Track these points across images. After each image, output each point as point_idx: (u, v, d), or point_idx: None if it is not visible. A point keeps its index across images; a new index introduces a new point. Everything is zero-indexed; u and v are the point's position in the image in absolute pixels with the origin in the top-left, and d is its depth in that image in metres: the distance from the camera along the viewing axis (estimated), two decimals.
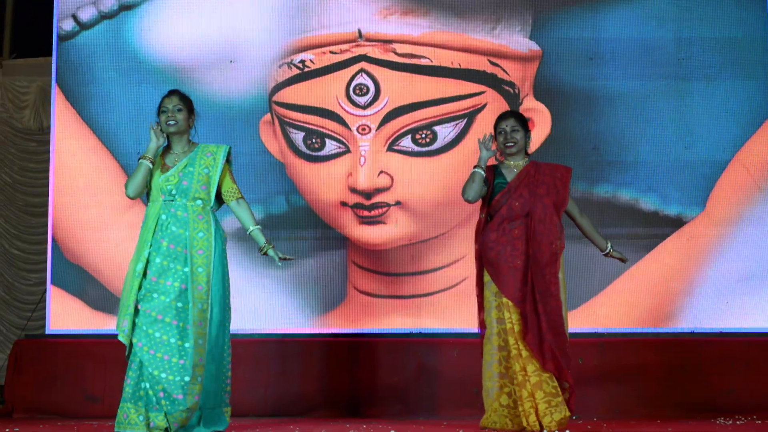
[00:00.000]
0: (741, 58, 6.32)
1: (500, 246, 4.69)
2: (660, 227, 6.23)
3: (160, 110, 4.67)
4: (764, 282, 6.15)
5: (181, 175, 4.57)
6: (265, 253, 4.64)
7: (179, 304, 4.45)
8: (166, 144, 4.68)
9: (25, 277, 7.73)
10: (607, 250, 4.92)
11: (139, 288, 4.48)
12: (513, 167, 4.80)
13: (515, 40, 6.37)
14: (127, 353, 4.50)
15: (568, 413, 4.55)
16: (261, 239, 4.64)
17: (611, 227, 6.24)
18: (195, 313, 4.45)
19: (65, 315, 6.38)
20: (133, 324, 4.46)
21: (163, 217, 4.54)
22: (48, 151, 6.65)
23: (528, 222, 4.70)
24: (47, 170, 6.70)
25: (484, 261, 4.74)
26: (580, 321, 6.16)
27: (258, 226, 4.65)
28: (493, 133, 4.82)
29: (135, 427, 4.39)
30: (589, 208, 6.22)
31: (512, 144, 4.77)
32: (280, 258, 4.63)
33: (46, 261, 6.57)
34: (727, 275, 6.17)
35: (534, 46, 6.37)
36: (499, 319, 4.67)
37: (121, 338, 4.47)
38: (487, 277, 4.73)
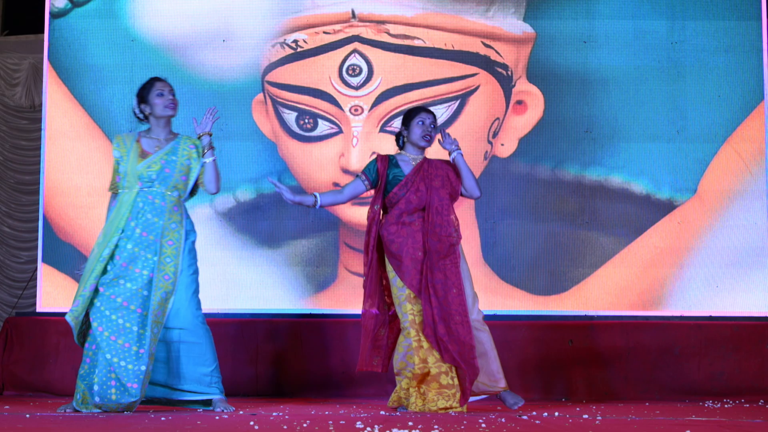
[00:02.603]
0: (734, 43, 6.32)
1: (401, 238, 4.74)
2: (651, 211, 6.25)
3: (153, 94, 4.63)
4: (754, 267, 6.18)
5: (164, 162, 4.56)
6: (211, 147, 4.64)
7: (145, 293, 4.47)
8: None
9: (16, 255, 7.72)
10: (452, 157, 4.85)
11: (104, 272, 4.49)
12: (411, 160, 4.86)
13: (509, 22, 6.36)
14: (75, 334, 4.50)
15: (456, 405, 4.59)
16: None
17: (602, 211, 6.25)
18: (156, 301, 4.47)
19: (56, 293, 6.38)
20: (92, 305, 4.46)
21: (140, 204, 4.53)
22: (39, 129, 6.64)
23: (425, 215, 4.75)
24: (39, 148, 6.70)
25: (387, 254, 4.78)
26: (570, 304, 6.19)
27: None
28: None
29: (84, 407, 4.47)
30: (581, 190, 6.24)
31: (430, 139, 4.82)
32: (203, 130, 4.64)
33: (37, 239, 6.56)
34: (717, 259, 6.20)
35: (528, 29, 6.36)
36: (407, 312, 4.71)
37: (67, 317, 4.46)
38: (391, 273, 4.76)
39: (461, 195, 4.88)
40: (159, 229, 4.52)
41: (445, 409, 4.60)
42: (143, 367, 4.40)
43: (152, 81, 4.68)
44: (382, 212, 4.84)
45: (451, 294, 4.65)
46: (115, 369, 4.38)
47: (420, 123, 4.82)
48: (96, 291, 4.47)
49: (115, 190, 4.66)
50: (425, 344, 4.66)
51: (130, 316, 4.43)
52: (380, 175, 4.83)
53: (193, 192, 4.73)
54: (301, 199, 4.82)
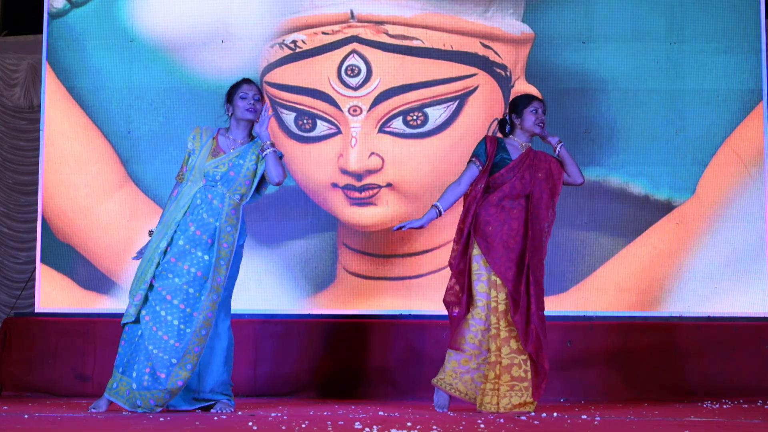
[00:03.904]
0: (733, 44, 6.32)
1: (498, 222, 4.77)
2: (650, 211, 6.25)
3: (237, 95, 4.65)
4: (752, 267, 6.17)
5: (231, 165, 4.58)
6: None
7: (191, 290, 4.50)
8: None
9: (15, 256, 7.71)
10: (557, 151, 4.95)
11: (157, 265, 4.52)
12: (519, 146, 4.91)
13: (508, 22, 6.35)
14: (124, 321, 4.56)
15: (530, 399, 4.63)
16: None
17: (601, 211, 6.25)
18: (208, 303, 4.50)
19: (54, 294, 6.38)
20: (146, 297, 4.52)
21: (198, 201, 4.56)
22: (38, 130, 6.63)
23: (527, 204, 4.81)
24: (37, 148, 6.69)
25: (476, 233, 4.78)
26: (568, 304, 6.19)
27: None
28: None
29: (121, 398, 4.48)
30: (579, 191, 6.23)
31: (544, 125, 4.91)
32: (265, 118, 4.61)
33: (35, 240, 6.56)
34: (716, 260, 6.19)
35: (526, 29, 6.36)
36: (485, 293, 4.72)
37: (131, 311, 4.52)
38: (476, 251, 4.77)
39: (565, 183, 4.95)
40: (213, 230, 4.54)
41: (520, 405, 4.60)
42: (174, 360, 4.44)
43: (240, 82, 4.71)
44: (483, 192, 4.85)
45: (538, 288, 4.73)
46: (151, 357, 4.45)
47: (533, 111, 4.90)
48: (150, 283, 4.55)
49: (180, 179, 4.69)
50: (504, 333, 4.68)
51: (172, 310, 4.47)
52: (489, 156, 4.86)
53: (259, 190, 4.73)
54: (427, 219, 4.83)
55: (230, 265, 4.58)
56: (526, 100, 4.95)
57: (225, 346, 4.66)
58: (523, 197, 4.82)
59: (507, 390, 4.63)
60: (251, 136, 4.71)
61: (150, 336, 4.46)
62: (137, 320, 4.54)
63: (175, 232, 4.54)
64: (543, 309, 4.74)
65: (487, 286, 4.73)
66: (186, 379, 4.47)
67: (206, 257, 4.53)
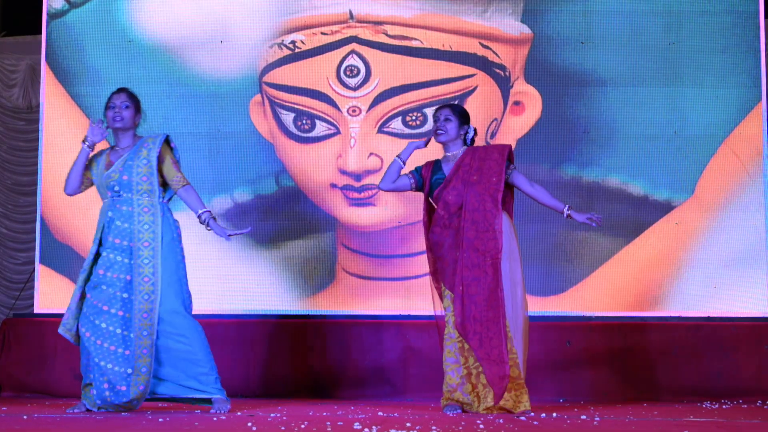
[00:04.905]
0: (731, 44, 6.31)
1: (443, 239, 4.77)
2: (649, 212, 6.24)
3: (108, 106, 4.70)
4: (752, 267, 6.17)
5: (122, 169, 4.61)
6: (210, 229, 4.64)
7: (124, 295, 4.52)
8: (101, 140, 4.68)
9: (14, 257, 7.71)
10: (565, 214, 4.85)
11: (87, 280, 4.57)
12: (452, 158, 4.86)
13: (506, 23, 6.35)
14: (74, 342, 4.62)
15: (491, 403, 4.58)
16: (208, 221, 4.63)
17: (600, 211, 6.24)
18: (138, 305, 4.50)
19: (54, 294, 6.37)
20: (81, 313, 4.55)
21: (110, 213, 4.62)
22: (37, 130, 6.63)
23: (462, 213, 4.72)
24: (36, 149, 6.69)
25: (434, 254, 4.82)
26: (568, 304, 6.19)
27: (206, 210, 4.62)
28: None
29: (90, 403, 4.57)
30: (578, 191, 6.24)
31: (442, 132, 4.81)
32: (229, 234, 4.61)
33: (34, 240, 6.56)
34: (715, 260, 6.19)
35: (525, 29, 6.36)
36: (450, 308, 4.76)
37: (60, 330, 4.60)
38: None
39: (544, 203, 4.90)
40: (130, 232, 4.57)
41: (486, 409, 4.60)
42: (129, 370, 4.46)
43: (111, 94, 4.75)
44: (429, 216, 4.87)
45: (485, 291, 4.62)
46: (106, 372, 4.46)
47: (435, 120, 4.86)
48: (83, 298, 4.57)
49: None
50: (467, 345, 4.67)
51: (112, 320, 4.49)
52: (424, 179, 4.86)
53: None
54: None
55: (162, 263, 4.56)
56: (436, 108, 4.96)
57: (192, 338, 4.58)
58: (459, 208, 4.74)
59: (484, 394, 4.64)
60: (136, 137, 4.72)
61: (97, 351, 4.47)
62: (77, 338, 4.58)
63: (99, 247, 4.60)
64: (496, 308, 4.58)
65: (450, 301, 4.75)
66: (147, 382, 4.48)
67: (131, 261, 4.56)
